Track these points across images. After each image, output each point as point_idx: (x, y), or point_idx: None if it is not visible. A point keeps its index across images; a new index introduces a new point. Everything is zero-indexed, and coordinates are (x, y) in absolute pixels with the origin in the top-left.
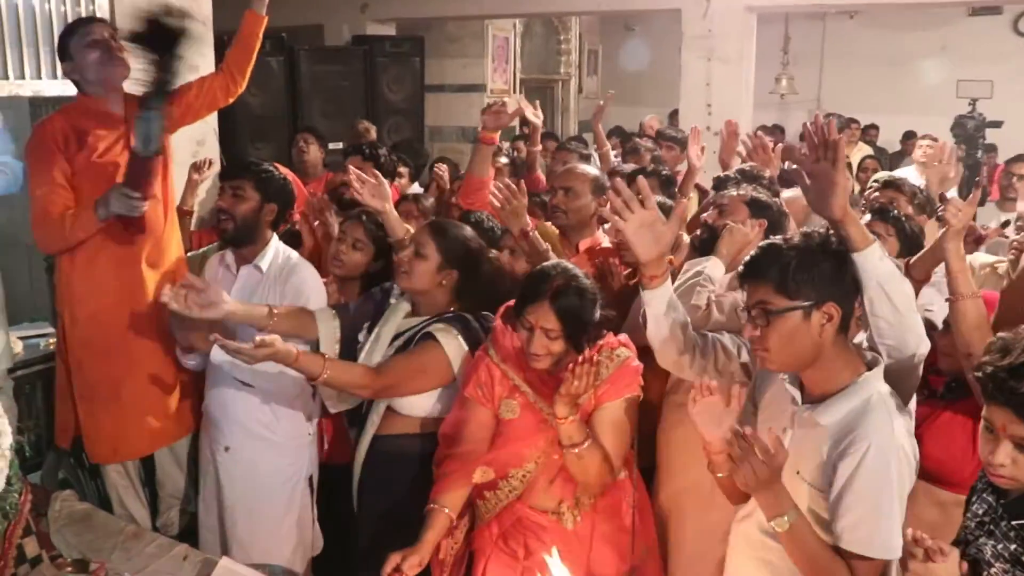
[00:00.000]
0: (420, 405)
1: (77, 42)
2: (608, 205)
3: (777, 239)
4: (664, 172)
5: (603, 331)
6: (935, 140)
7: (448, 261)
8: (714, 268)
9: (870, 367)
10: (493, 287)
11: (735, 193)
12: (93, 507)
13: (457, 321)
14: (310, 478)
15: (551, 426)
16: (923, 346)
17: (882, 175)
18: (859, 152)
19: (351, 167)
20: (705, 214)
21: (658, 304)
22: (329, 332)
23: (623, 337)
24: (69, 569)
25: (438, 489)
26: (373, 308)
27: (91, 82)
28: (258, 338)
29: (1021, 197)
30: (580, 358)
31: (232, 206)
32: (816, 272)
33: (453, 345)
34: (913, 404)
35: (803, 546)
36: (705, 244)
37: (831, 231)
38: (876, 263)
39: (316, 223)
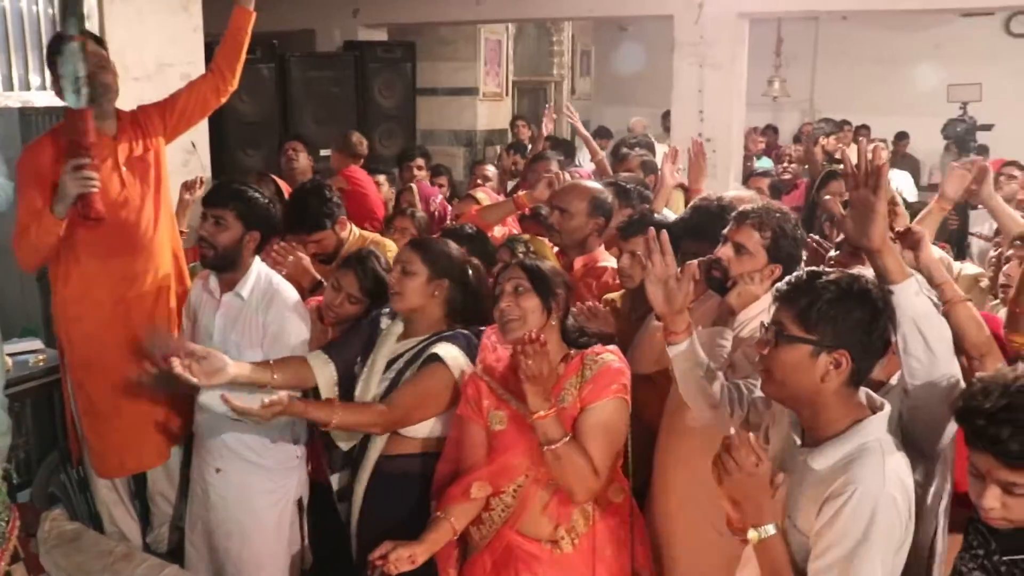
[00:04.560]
0: (422, 427)
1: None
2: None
3: (822, 271)
4: (646, 191)
5: (590, 339)
6: (884, 142)
7: (436, 272)
8: (727, 335)
9: (875, 412)
10: (482, 295)
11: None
12: (83, 527)
13: (459, 339)
14: (299, 500)
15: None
16: (957, 391)
17: None
18: (851, 153)
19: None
20: (720, 250)
21: (681, 361)
22: (326, 377)
23: (614, 348)
24: None
25: (443, 503)
26: (364, 340)
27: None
28: (267, 399)
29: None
30: (527, 336)
31: (213, 235)
32: (842, 316)
33: (459, 365)
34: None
35: (773, 565)
36: (715, 283)
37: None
38: (911, 298)
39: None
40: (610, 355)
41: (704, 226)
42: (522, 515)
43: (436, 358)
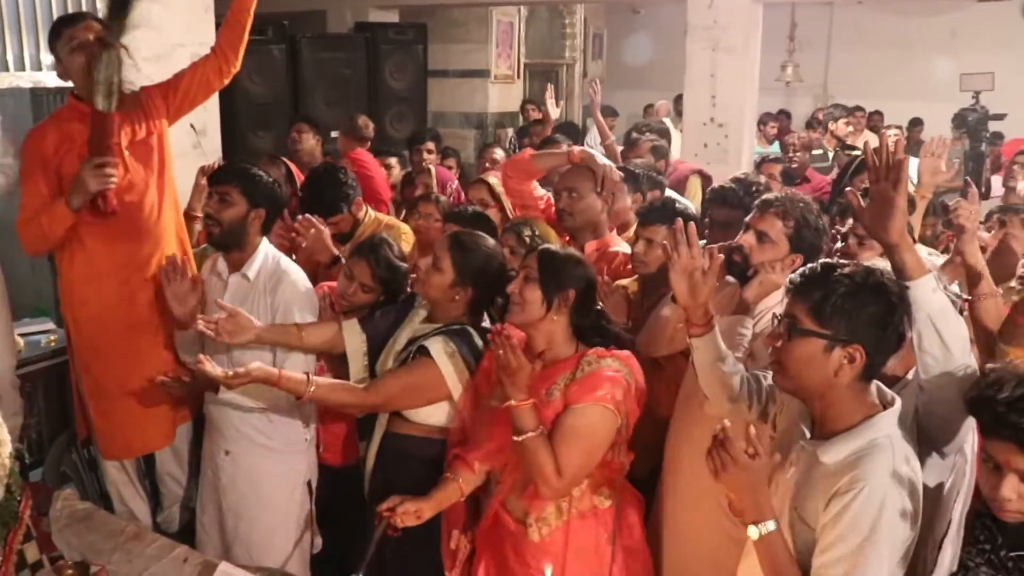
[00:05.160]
0: (426, 413)
1: (62, 46)
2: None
3: (836, 263)
4: (657, 176)
5: (599, 336)
6: (899, 128)
7: (463, 278)
8: (747, 323)
9: (887, 407)
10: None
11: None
12: (94, 506)
13: (460, 336)
14: (308, 482)
15: None
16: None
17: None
18: (864, 139)
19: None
20: (742, 237)
21: (702, 355)
22: (356, 346)
23: (624, 353)
24: (70, 572)
25: (453, 466)
26: (396, 314)
27: (80, 86)
28: (231, 371)
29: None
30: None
31: (218, 212)
32: (857, 310)
33: (448, 363)
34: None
35: (774, 561)
36: (736, 269)
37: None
38: (928, 295)
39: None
40: (612, 360)
41: (739, 197)
42: (506, 492)
43: (425, 352)
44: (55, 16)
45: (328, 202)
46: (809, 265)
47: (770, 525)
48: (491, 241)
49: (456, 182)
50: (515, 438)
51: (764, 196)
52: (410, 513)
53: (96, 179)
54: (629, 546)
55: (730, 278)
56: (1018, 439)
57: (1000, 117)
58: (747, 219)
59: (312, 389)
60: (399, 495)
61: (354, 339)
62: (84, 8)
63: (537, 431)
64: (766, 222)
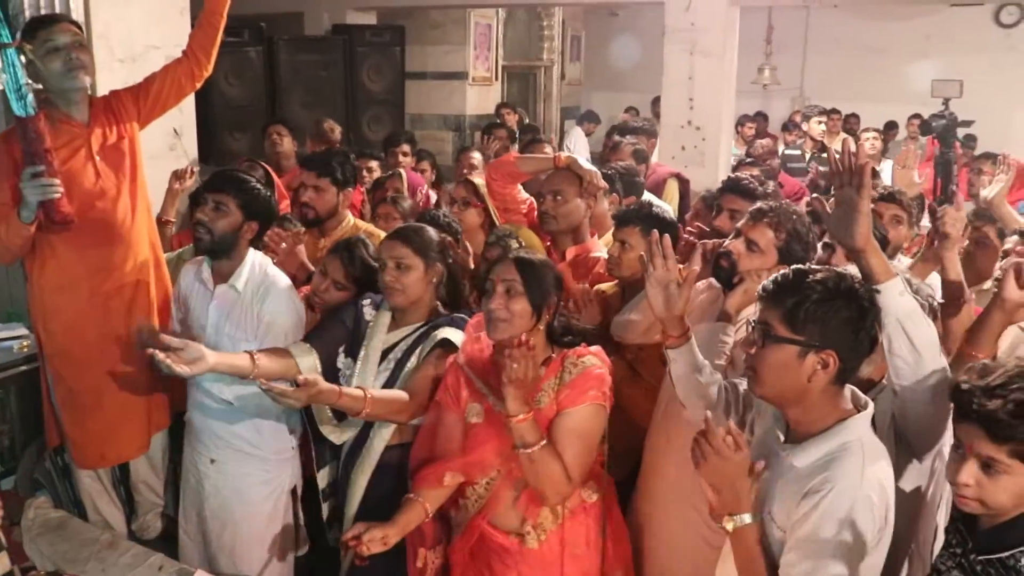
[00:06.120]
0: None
1: (37, 48)
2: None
3: (809, 269)
4: (634, 179)
5: (573, 339)
6: (878, 131)
7: (429, 261)
8: (729, 331)
9: (860, 410)
10: (461, 278)
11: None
12: (68, 515)
13: (461, 324)
14: (293, 489)
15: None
16: (944, 388)
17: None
18: (839, 141)
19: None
20: (731, 243)
21: (679, 365)
22: (308, 366)
23: (597, 349)
24: None
25: (416, 486)
26: (345, 331)
27: (53, 91)
28: (300, 377)
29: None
30: (516, 340)
31: (212, 220)
32: (829, 316)
33: None
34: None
35: (746, 554)
36: (723, 274)
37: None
38: (896, 298)
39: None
40: (592, 358)
41: (755, 190)
42: (494, 508)
43: (448, 344)
44: (26, 14)
45: (327, 161)
46: (781, 271)
47: (746, 518)
48: (427, 225)
49: (427, 186)
50: (522, 451)
51: (758, 205)
52: (376, 540)
53: (32, 191)
54: (617, 534)
55: (714, 282)
56: (983, 422)
57: (968, 123)
58: (738, 225)
59: (368, 406)
60: (363, 523)
61: (306, 360)
62: (58, 10)
63: (543, 442)
64: (757, 231)
